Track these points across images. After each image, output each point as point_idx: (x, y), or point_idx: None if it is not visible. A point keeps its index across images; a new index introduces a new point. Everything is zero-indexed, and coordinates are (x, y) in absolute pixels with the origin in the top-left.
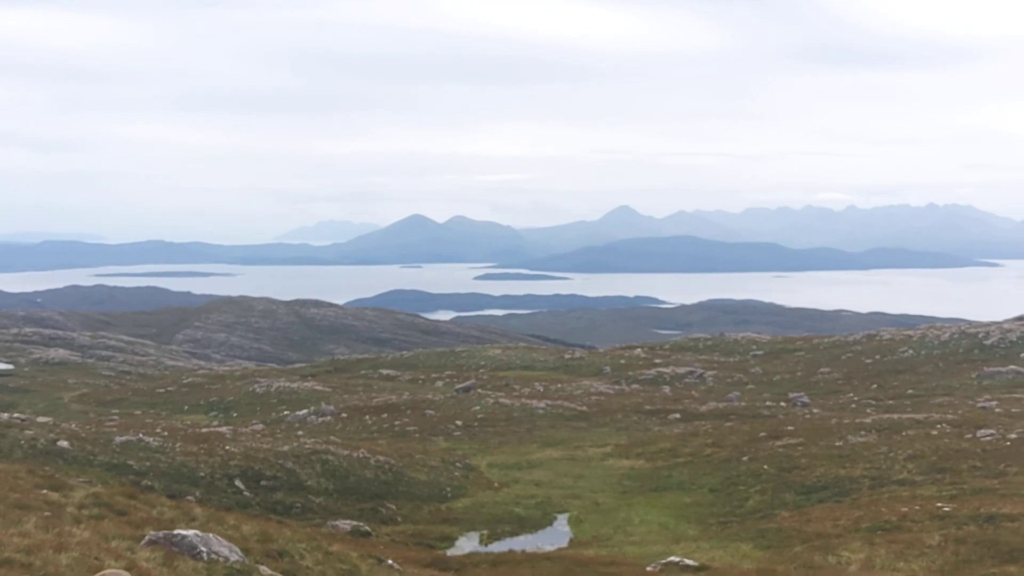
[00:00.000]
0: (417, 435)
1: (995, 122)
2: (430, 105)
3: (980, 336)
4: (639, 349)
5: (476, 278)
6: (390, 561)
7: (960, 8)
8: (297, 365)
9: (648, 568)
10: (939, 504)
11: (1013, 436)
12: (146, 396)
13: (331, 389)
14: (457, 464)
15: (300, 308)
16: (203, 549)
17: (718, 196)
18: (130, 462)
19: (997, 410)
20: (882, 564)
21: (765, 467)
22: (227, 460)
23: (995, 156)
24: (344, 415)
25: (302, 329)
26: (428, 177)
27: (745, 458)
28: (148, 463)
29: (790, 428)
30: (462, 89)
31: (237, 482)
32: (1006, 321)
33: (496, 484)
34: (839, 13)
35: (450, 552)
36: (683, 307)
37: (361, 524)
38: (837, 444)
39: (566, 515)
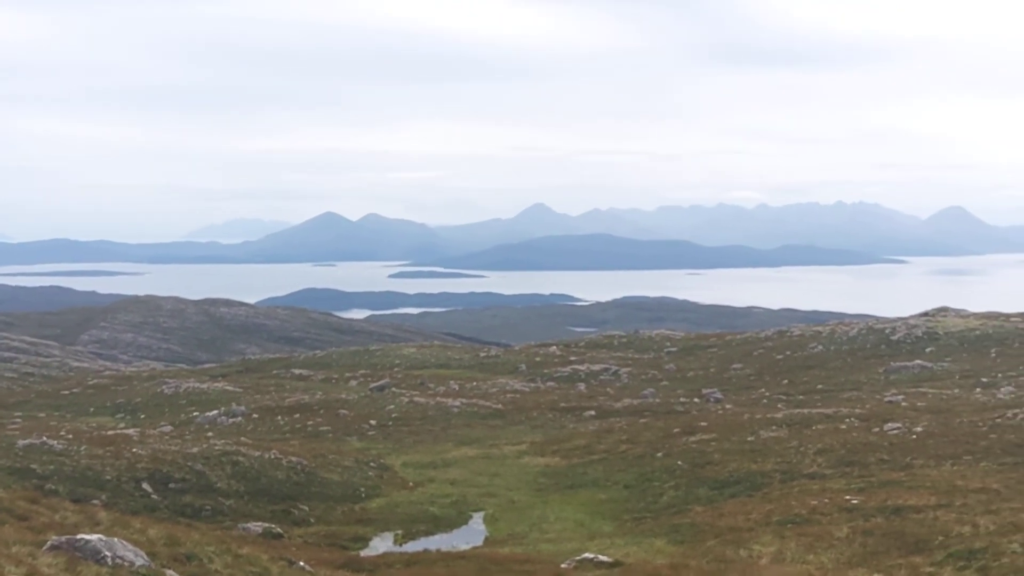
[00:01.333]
0: (330, 435)
1: (903, 122)
2: (344, 102)
3: (887, 332)
4: (554, 347)
5: (390, 276)
6: (302, 563)
7: (871, 9)
8: (207, 365)
9: (563, 565)
10: (848, 497)
11: (919, 429)
12: (50, 398)
13: (242, 389)
14: (371, 464)
15: (210, 307)
16: (107, 554)
17: (632, 194)
18: (33, 466)
19: (903, 404)
20: (792, 557)
21: (679, 463)
22: (134, 463)
23: (902, 155)
24: (255, 416)
25: (212, 329)
26: (342, 174)
27: (659, 454)
28: (52, 467)
29: (703, 424)
30: (376, 86)
31: (145, 485)
32: (912, 317)
33: (411, 483)
34: (751, 13)
35: (364, 553)
36: (598, 304)
37: (273, 526)
38: (749, 439)
39: (481, 513)
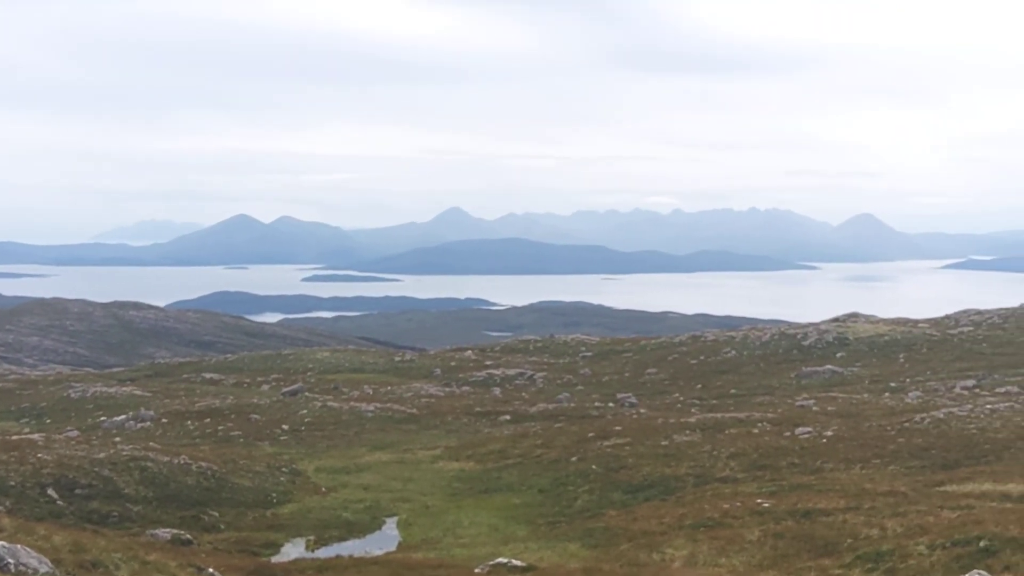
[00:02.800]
0: (242, 440)
1: (816, 129)
2: (256, 103)
3: (799, 337)
4: (470, 351)
5: (304, 279)
6: (211, 569)
7: (786, 17)
8: (115, 369)
9: (476, 570)
10: (759, 500)
11: (829, 433)
12: None
13: (151, 394)
14: (283, 469)
15: (118, 310)
16: (10, 561)
17: (549, 198)
18: None
19: (814, 408)
20: (704, 560)
21: (594, 467)
22: (39, 468)
23: (815, 162)
24: (165, 420)
25: (121, 332)
26: (254, 176)
27: (574, 458)
28: None
29: (618, 428)
30: (289, 87)
31: (50, 491)
32: (823, 322)
33: (324, 489)
34: (667, 19)
35: (275, 559)
36: (514, 309)
37: (182, 532)
38: (663, 443)
39: (395, 519)
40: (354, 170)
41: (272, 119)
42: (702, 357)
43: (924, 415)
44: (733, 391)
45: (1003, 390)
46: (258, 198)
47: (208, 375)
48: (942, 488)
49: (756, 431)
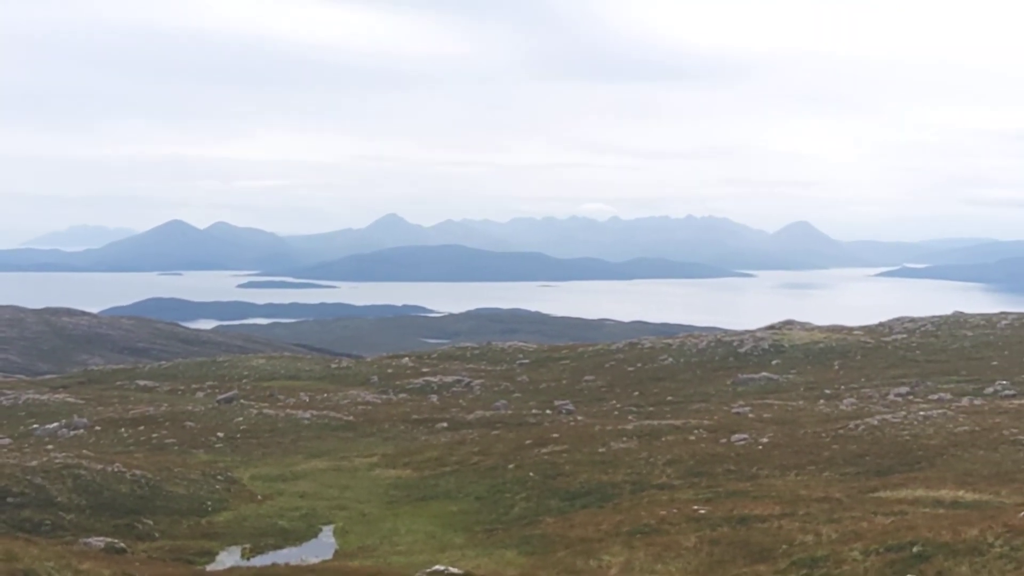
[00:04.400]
0: (176, 448)
1: (752, 137)
2: (190, 108)
3: (735, 344)
4: (407, 358)
5: (239, 286)
6: None
7: (722, 25)
8: (47, 376)
9: None
10: (695, 507)
11: (765, 440)
12: None
13: (84, 401)
14: (219, 477)
15: (51, 316)
16: None
17: (485, 205)
18: None
19: (750, 415)
20: (641, 566)
21: (531, 474)
22: None
23: (751, 170)
24: (98, 428)
25: (53, 339)
26: (188, 182)
27: (511, 466)
28: None
29: (555, 435)
30: (223, 92)
31: None
32: (759, 330)
33: (259, 496)
34: (603, 27)
35: (210, 567)
36: (451, 316)
37: (116, 541)
38: (600, 450)
39: (332, 526)
40: (289, 176)
41: (206, 125)
42: (639, 364)
43: (858, 422)
44: (670, 398)
45: (936, 397)
46: (193, 204)
47: (142, 382)
48: (876, 494)
49: (693, 438)
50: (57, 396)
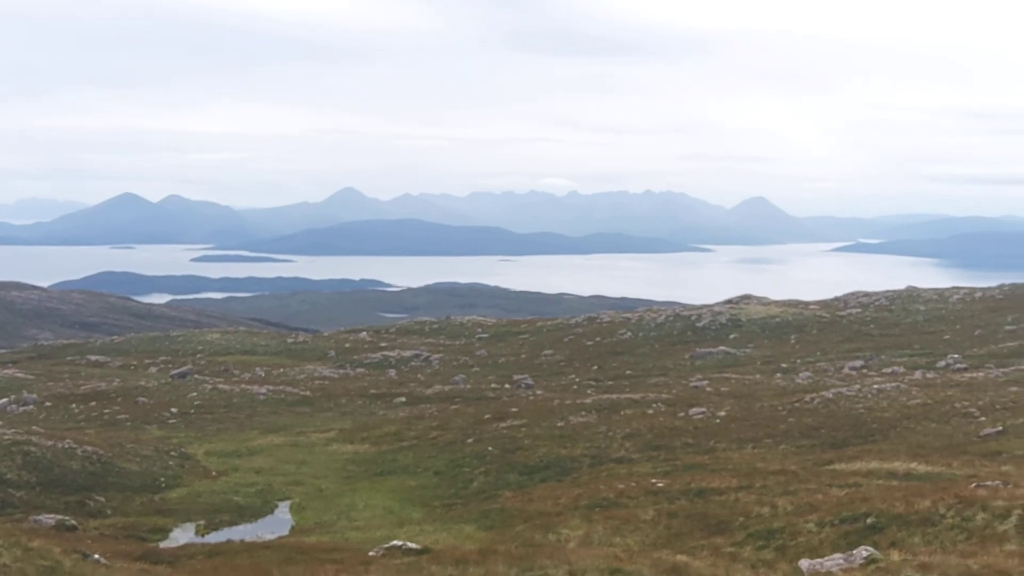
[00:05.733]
0: (129, 424)
1: (711, 113)
2: (143, 79)
3: (693, 319)
4: (364, 333)
5: (193, 260)
6: (97, 556)
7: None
8: None
9: (371, 553)
10: (654, 480)
11: (722, 414)
12: None
13: (34, 376)
14: (172, 453)
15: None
16: None
17: (444, 179)
18: None
19: (708, 389)
20: (599, 540)
21: (490, 449)
22: None
23: (709, 146)
24: (48, 404)
25: (2, 313)
26: (141, 154)
27: (470, 440)
28: None
29: (514, 410)
30: (177, 63)
31: None
32: (716, 304)
33: (214, 472)
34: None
35: (163, 544)
36: (409, 290)
37: (67, 518)
38: (559, 425)
39: (288, 502)
40: (245, 149)
41: (158, 96)
42: (598, 338)
43: (814, 395)
44: (628, 372)
45: (890, 370)
46: (145, 177)
47: (94, 357)
48: (831, 467)
49: (651, 412)
50: (6, 371)
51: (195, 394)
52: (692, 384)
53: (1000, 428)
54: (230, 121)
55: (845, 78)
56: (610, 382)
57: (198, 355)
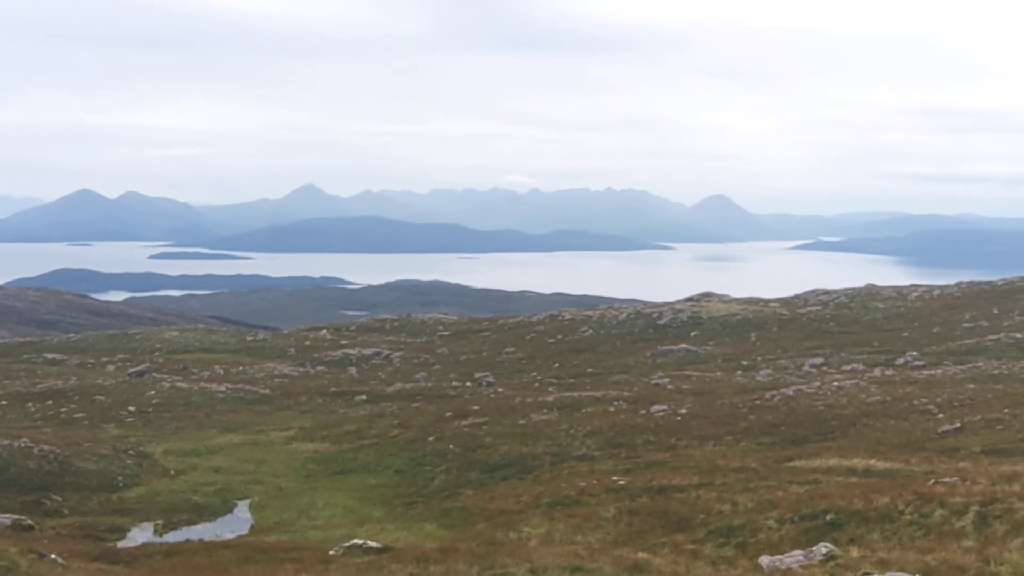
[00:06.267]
0: (86, 422)
1: (672, 111)
2: (100, 74)
3: (654, 316)
4: (325, 330)
5: (151, 257)
6: (54, 556)
7: None
8: None
9: (331, 552)
10: (615, 478)
11: (683, 411)
12: None
13: None
14: (130, 452)
15: None
16: None
17: (405, 177)
18: None
19: (669, 387)
20: (561, 537)
21: (451, 447)
22: None
23: (670, 144)
24: (3, 402)
25: None
26: (97, 150)
27: (431, 438)
28: None
29: (476, 408)
30: (135, 58)
31: None
32: (678, 302)
33: (173, 472)
34: None
35: (121, 544)
36: (370, 288)
37: (23, 518)
38: (521, 422)
39: (247, 501)
40: (203, 145)
41: (115, 92)
42: (559, 336)
43: (774, 392)
44: (590, 370)
45: (849, 368)
46: (102, 173)
47: (50, 355)
48: (791, 463)
49: (612, 409)
50: None
51: (153, 392)
52: (653, 382)
53: (958, 425)
54: (188, 117)
55: (803, 76)
56: (572, 380)
57: (156, 353)
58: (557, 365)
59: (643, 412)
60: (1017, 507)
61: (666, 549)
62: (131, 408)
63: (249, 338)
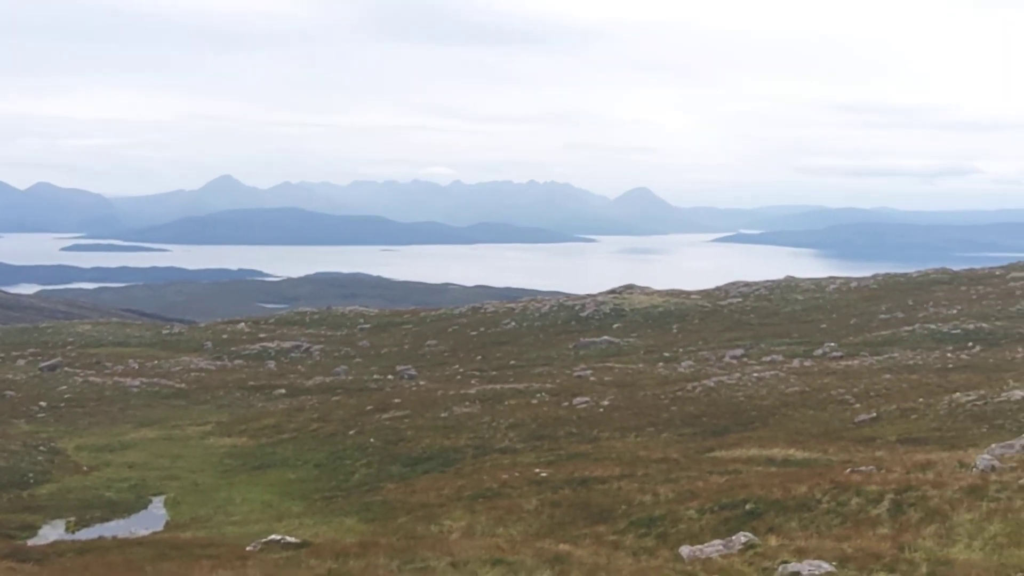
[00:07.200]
0: None
1: (595, 104)
2: (9, 62)
3: (577, 308)
4: (243, 323)
5: (63, 249)
6: None
7: None
8: None
9: (248, 547)
10: (537, 470)
11: (606, 403)
12: None
13: None
14: (41, 448)
15: None
16: None
17: (325, 168)
18: None
19: (591, 379)
20: (482, 530)
21: (372, 440)
22: None
23: (592, 136)
24: None
25: None
26: (7, 140)
27: (352, 432)
28: None
29: (397, 401)
30: (45, 46)
31: None
32: (600, 294)
33: (85, 468)
34: None
35: (32, 542)
36: (289, 280)
37: None
38: (443, 415)
39: (163, 497)
40: (117, 135)
41: (25, 80)
42: (482, 328)
43: (696, 384)
44: (513, 362)
45: (769, 359)
46: (12, 163)
47: None
48: (712, 454)
49: (535, 401)
50: None
51: (65, 387)
52: (576, 374)
53: (874, 414)
54: (102, 106)
55: (728, 71)
56: (494, 372)
57: (69, 347)
58: (479, 358)
59: (566, 404)
60: (931, 495)
61: (588, 540)
62: (42, 403)
63: (165, 332)
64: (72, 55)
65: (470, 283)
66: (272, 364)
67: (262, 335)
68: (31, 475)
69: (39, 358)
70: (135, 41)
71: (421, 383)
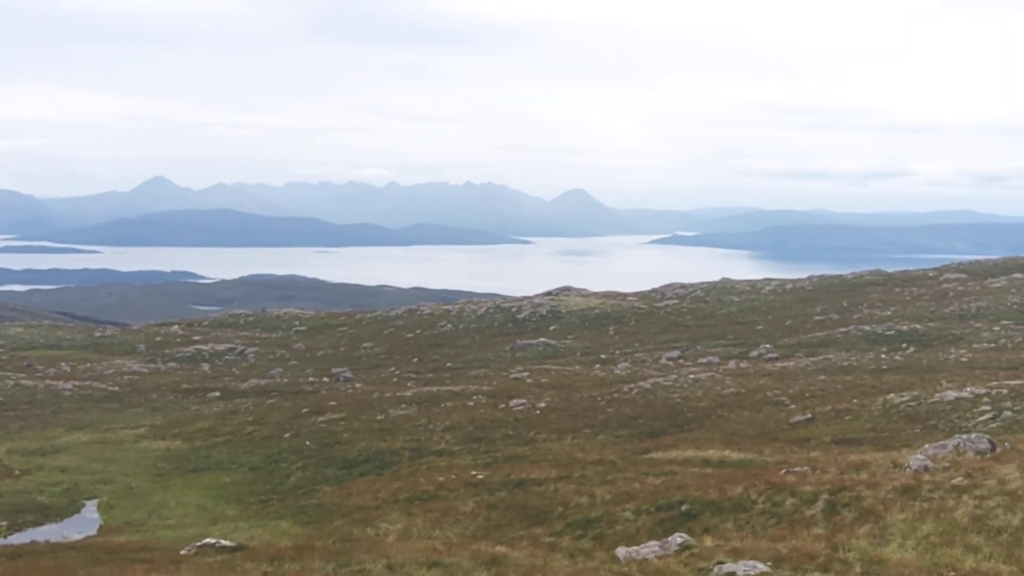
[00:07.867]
0: None
1: (530, 105)
2: None
3: (514, 310)
4: (176, 326)
5: None
6: None
7: None
8: None
9: (182, 551)
10: (474, 472)
11: (542, 405)
12: None
13: None
14: None
15: None
16: None
17: (259, 169)
18: None
19: (528, 380)
20: (419, 533)
21: (308, 443)
22: None
23: (529, 138)
24: None
25: None
26: None
27: (287, 435)
28: None
29: (333, 403)
30: None
31: None
32: (536, 296)
33: (17, 472)
34: None
35: None
36: (223, 282)
37: None
38: (379, 418)
39: (96, 501)
40: (47, 135)
41: None
42: (418, 331)
43: (632, 385)
44: (449, 364)
45: (705, 360)
46: None
47: None
48: (648, 455)
49: (472, 404)
50: None
51: None
52: (513, 376)
53: (809, 415)
54: (31, 106)
55: (663, 73)
56: (431, 375)
57: None
58: (416, 360)
59: (502, 406)
60: (865, 495)
61: (524, 542)
62: None
63: (97, 334)
64: (0, 54)
65: (406, 285)
66: (206, 367)
67: (196, 338)
68: None
69: None
70: (66, 41)
71: (357, 386)
